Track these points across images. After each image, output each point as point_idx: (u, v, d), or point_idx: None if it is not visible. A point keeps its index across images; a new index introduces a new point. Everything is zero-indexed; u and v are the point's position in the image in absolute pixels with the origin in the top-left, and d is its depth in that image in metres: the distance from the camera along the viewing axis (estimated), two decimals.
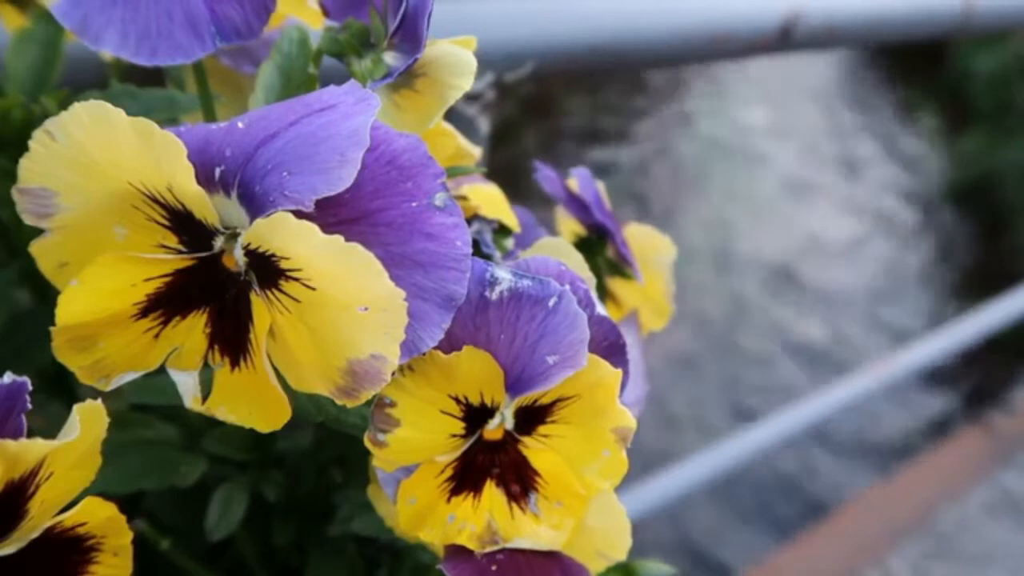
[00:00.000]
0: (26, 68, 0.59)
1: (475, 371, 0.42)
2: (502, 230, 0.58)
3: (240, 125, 0.39)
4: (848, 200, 5.03)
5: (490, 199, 0.59)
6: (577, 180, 0.67)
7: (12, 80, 0.59)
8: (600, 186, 0.68)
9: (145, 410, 0.58)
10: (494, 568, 0.45)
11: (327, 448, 0.63)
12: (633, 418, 0.44)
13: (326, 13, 0.51)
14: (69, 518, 0.38)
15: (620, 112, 5.58)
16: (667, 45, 1.00)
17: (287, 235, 0.36)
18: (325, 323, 0.37)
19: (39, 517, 0.38)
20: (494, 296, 0.41)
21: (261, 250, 0.37)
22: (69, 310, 0.38)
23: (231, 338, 0.40)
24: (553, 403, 0.44)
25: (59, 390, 0.62)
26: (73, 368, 0.39)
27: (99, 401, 0.38)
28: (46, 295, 0.62)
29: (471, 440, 0.45)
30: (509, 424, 0.45)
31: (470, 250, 0.39)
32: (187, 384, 0.41)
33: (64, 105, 0.39)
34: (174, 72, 0.63)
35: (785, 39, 1.08)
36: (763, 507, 2.91)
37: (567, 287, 0.42)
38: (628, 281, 0.68)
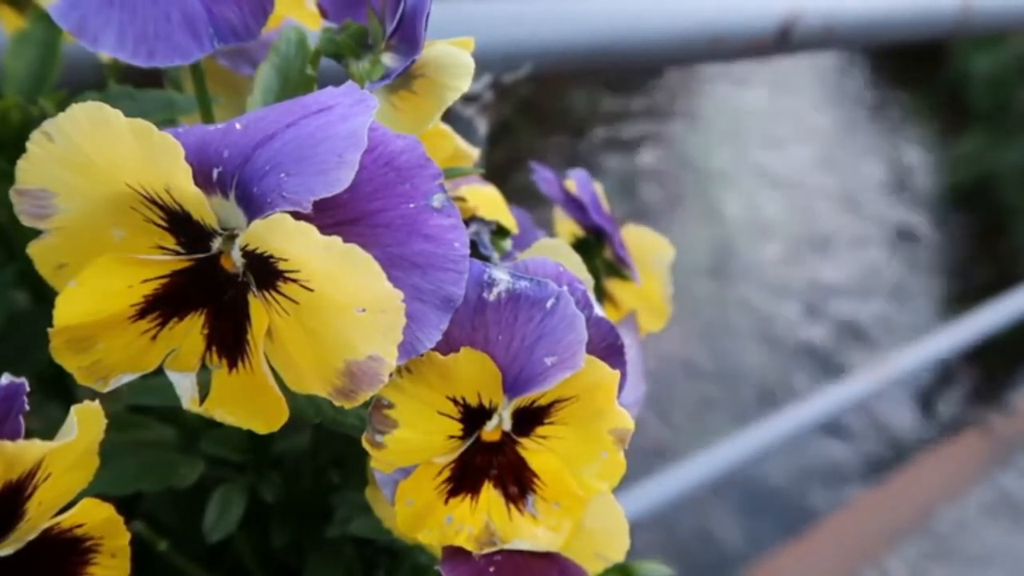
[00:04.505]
0: (24, 69, 0.59)
1: (473, 372, 0.42)
2: (500, 231, 0.58)
3: (238, 126, 0.39)
4: (846, 200, 5.03)
5: (488, 200, 0.59)
6: (575, 181, 0.67)
7: (10, 81, 0.59)
8: (598, 187, 0.68)
9: (143, 411, 0.58)
10: (492, 569, 0.45)
11: (325, 449, 0.63)
12: (631, 419, 0.44)
13: (324, 14, 0.51)
14: (67, 519, 0.38)
15: (620, 113, 5.58)
16: (665, 46, 1.00)
17: (285, 236, 0.36)
18: (323, 324, 0.37)
19: (37, 518, 0.38)
20: (492, 297, 0.41)
21: (259, 251, 0.37)
22: (67, 311, 0.38)
23: (229, 339, 0.40)
24: (551, 404, 0.44)
25: (57, 391, 0.62)
26: (71, 369, 0.39)
27: (97, 402, 0.38)
28: (44, 296, 0.62)
29: (469, 441, 0.45)
30: (507, 425, 0.45)
31: (468, 251, 0.39)
32: (185, 385, 0.41)
33: (62, 106, 0.39)
34: (172, 73, 0.63)
35: (783, 40, 1.08)
36: (759, 506, 2.91)
37: (565, 288, 0.42)
38: (626, 282, 0.68)
